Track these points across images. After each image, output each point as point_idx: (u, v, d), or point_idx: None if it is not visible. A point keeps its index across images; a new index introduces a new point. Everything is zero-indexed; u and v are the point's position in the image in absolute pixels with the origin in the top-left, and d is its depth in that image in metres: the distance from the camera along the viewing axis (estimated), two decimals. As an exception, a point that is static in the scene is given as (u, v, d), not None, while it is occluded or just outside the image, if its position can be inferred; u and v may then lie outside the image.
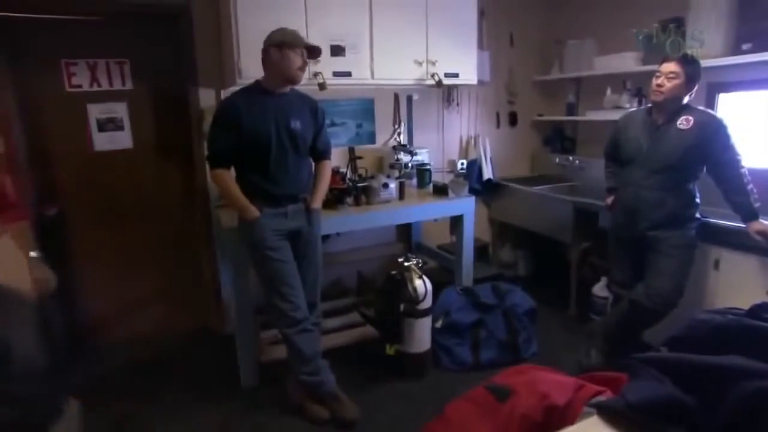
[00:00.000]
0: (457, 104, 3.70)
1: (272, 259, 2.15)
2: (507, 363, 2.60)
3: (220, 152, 2.12)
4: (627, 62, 3.11)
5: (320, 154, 2.34)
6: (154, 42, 2.84)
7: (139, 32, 2.80)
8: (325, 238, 2.75)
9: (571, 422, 1.20)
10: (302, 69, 2.12)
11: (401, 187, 2.96)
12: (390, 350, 2.61)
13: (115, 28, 2.76)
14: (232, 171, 2.19)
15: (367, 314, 2.92)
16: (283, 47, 2.05)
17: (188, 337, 3.13)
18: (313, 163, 2.35)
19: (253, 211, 2.11)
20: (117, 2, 2.62)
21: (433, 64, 3.01)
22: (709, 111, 2.29)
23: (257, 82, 2.17)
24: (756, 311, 1.07)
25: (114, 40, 2.76)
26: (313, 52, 2.17)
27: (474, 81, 3.24)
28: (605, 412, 0.98)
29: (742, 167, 2.17)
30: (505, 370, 1.61)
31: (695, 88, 2.22)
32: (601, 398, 1.19)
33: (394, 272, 2.64)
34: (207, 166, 2.21)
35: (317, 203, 2.28)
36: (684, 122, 2.21)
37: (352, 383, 2.47)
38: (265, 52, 2.09)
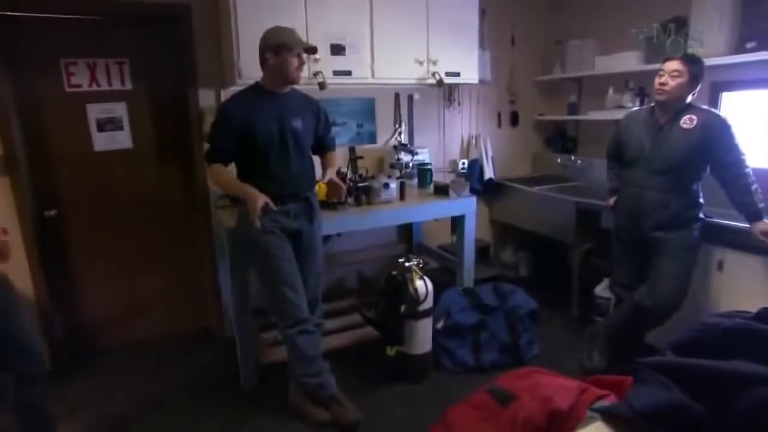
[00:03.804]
0: (459, 104, 3.68)
1: (274, 258, 2.13)
2: (509, 365, 2.60)
3: (217, 149, 2.11)
4: (629, 62, 3.08)
5: (325, 147, 2.39)
6: (154, 42, 2.82)
7: (139, 32, 2.79)
8: (326, 238, 2.73)
9: (575, 426, 1.18)
10: (300, 69, 2.11)
11: (402, 187, 2.95)
12: (391, 352, 2.59)
13: (115, 28, 2.74)
14: (232, 168, 2.19)
15: (368, 315, 2.90)
16: (279, 50, 2.04)
17: (189, 339, 3.11)
18: (320, 158, 2.39)
19: (259, 194, 2.00)
20: (117, 2, 2.61)
21: (434, 63, 2.99)
22: (713, 110, 2.27)
23: (257, 83, 2.16)
24: (764, 315, 1.05)
25: (113, 40, 2.74)
26: (310, 49, 2.16)
27: (475, 80, 3.23)
28: (610, 418, 0.97)
29: (747, 167, 2.15)
30: (507, 374, 1.59)
31: (698, 87, 2.20)
32: (605, 403, 1.17)
33: (395, 273, 2.62)
34: (206, 166, 2.20)
35: (331, 175, 2.27)
36: (687, 122, 2.19)
37: (352, 385, 2.46)
38: (262, 54, 2.09)
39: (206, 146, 2.16)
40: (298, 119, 2.16)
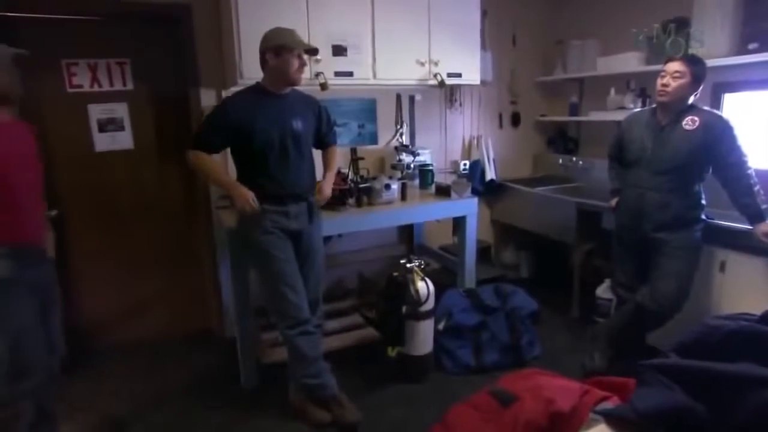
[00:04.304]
0: (460, 104, 3.68)
1: (274, 258, 2.13)
2: (510, 366, 2.59)
3: (204, 139, 2.11)
4: (630, 62, 3.08)
5: (326, 143, 2.39)
6: (155, 42, 2.82)
7: (140, 32, 2.79)
8: (327, 239, 2.73)
9: (577, 428, 1.18)
10: (301, 70, 2.11)
11: (403, 188, 2.94)
12: (392, 353, 2.59)
13: (116, 29, 2.74)
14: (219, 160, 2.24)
15: (369, 316, 2.91)
16: (280, 51, 2.03)
17: (189, 339, 3.11)
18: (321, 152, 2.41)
19: (242, 188, 2.05)
20: (118, 2, 2.61)
21: (436, 64, 2.99)
22: (715, 111, 2.26)
23: (258, 83, 2.16)
24: None
25: (115, 41, 2.74)
26: (311, 51, 2.16)
27: (477, 81, 3.23)
28: (613, 420, 0.96)
29: (749, 168, 2.14)
30: (508, 375, 1.59)
31: (700, 88, 2.20)
32: (608, 405, 1.16)
33: (396, 274, 2.62)
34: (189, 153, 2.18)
35: (328, 186, 2.31)
36: (689, 123, 2.19)
37: (353, 386, 2.46)
38: (263, 55, 2.08)
39: (194, 132, 2.18)
40: (298, 120, 2.16)
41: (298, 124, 2.15)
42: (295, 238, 2.20)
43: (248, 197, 2.04)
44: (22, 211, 1.72)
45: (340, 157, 3.09)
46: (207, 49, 2.83)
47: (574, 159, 3.74)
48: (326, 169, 2.39)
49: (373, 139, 3.41)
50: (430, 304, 2.54)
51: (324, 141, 2.39)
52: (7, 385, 1.67)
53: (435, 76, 2.99)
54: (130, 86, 2.81)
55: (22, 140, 1.79)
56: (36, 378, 1.75)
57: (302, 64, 2.09)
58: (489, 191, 3.76)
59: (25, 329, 1.70)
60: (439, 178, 3.35)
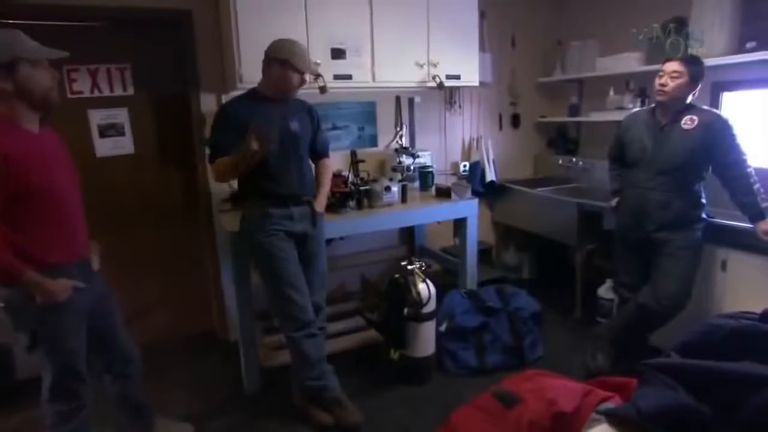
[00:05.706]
0: (459, 106, 3.68)
1: (277, 260, 2.13)
2: (512, 367, 2.59)
3: (218, 145, 2.07)
4: (629, 63, 3.09)
5: (319, 153, 2.37)
6: (155, 47, 2.84)
7: (141, 38, 2.80)
8: (329, 242, 2.73)
9: (580, 428, 1.18)
10: (299, 88, 2.13)
11: (404, 190, 2.94)
12: (394, 355, 2.59)
13: (117, 34, 2.75)
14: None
15: (371, 318, 2.90)
16: (285, 65, 2.04)
17: (191, 342, 3.11)
18: (313, 165, 2.36)
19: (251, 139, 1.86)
20: (118, 8, 2.62)
21: (435, 66, 2.99)
22: (714, 110, 2.27)
23: (254, 89, 2.17)
24: (768, 315, 1.04)
25: (115, 46, 2.75)
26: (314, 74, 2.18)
27: (476, 83, 3.23)
28: (615, 419, 0.96)
29: (749, 167, 2.15)
30: (511, 377, 1.59)
31: (699, 87, 2.20)
32: (610, 404, 1.17)
33: (397, 276, 2.62)
34: (209, 167, 2.20)
35: (321, 205, 2.28)
36: (688, 122, 2.19)
37: (355, 388, 2.46)
38: (268, 60, 2.09)
39: (207, 150, 2.16)
40: (295, 122, 2.17)
41: (295, 126, 2.16)
42: (298, 241, 2.21)
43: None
44: (72, 223, 1.71)
45: (341, 159, 3.12)
46: (207, 54, 2.84)
47: (575, 159, 3.74)
48: (318, 186, 2.31)
49: (373, 142, 3.42)
50: (431, 306, 2.54)
51: (317, 151, 2.33)
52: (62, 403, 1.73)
53: (434, 78, 3.00)
54: (130, 91, 2.82)
55: (61, 149, 1.76)
56: (85, 398, 1.80)
57: (302, 82, 2.11)
58: (489, 192, 3.76)
59: (75, 350, 1.72)
60: (440, 180, 3.36)
